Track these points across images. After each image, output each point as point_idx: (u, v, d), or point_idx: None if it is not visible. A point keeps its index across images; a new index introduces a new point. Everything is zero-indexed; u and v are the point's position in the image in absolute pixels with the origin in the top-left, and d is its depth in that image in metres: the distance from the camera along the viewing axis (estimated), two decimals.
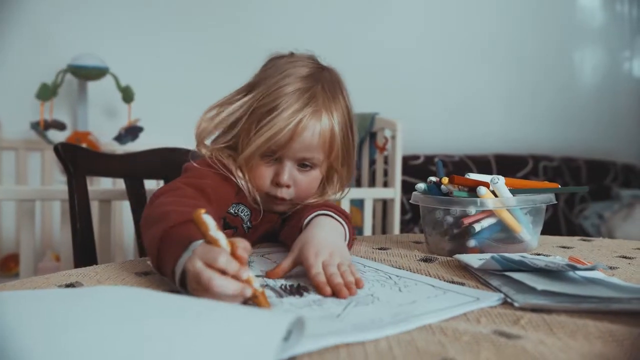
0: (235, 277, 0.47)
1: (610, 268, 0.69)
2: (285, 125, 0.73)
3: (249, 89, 0.82)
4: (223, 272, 0.47)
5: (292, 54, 0.84)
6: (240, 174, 0.80)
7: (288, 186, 0.79)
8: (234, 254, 0.49)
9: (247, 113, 0.78)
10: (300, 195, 0.81)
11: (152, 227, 0.60)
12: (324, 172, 0.83)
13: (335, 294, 0.54)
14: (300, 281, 0.61)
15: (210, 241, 0.49)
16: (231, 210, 0.82)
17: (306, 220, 0.73)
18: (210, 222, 0.49)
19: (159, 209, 0.63)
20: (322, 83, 0.79)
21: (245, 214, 0.83)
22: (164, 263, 0.56)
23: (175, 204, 0.63)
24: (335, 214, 0.75)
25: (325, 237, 0.66)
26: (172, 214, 0.60)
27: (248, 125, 0.78)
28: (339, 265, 0.59)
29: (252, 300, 0.48)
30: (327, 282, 0.56)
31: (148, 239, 0.60)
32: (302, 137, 0.75)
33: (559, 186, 0.84)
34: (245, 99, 0.79)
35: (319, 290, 0.55)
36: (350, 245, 0.76)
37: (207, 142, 0.82)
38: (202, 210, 0.49)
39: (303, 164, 0.79)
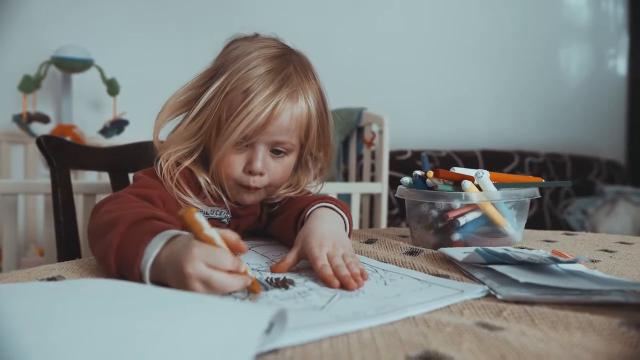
0: (237, 271, 0.49)
1: (592, 261, 0.70)
2: (262, 109, 0.69)
3: (212, 74, 0.75)
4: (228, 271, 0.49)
5: (256, 35, 0.79)
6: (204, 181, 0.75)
7: (261, 174, 0.74)
8: (232, 249, 0.51)
9: (218, 104, 0.71)
10: (274, 183, 0.76)
11: (105, 235, 0.56)
12: (296, 159, 0.79)
13: (344, 286, 0.55)
14: (303, 274, 0.61)
15: (205, 240, 0.49)
16: None
17: (307, 213, 0.72)
18: (203, 221, 0.50)
19: (106, 217, 0.59)
20: (294, 64, 0.75)
21: (218, 213, 0.78)
22: (128, 257, 0.53)
23: (124, 209, 0.60)
24: (335, 205, 0.74)
25: (327, 229, 0.66)
26: (125, 216, 0.57)
27: (218, 117, 0.72)
28: (343, 256, 0.60)
29: (248, 288, 0.51)
30: (334, 275, 0.56)
31: (102, 247, 0.56)
32: (279, 121, 0.70)
33: (543, 181, 0.85)
34: (212, 89, 0.72)
35: (327, 283, 0.56)
36: (349, 237, 0.74)
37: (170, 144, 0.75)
38: (194, 209, 0.49)
39: (276, 150, 0.74)
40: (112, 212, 0.59)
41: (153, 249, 0.52)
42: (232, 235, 0.51)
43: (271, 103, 0.69)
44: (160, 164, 0.73)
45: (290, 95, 0.71)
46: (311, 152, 0.79)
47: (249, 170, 0.73)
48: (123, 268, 0.54)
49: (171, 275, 0.50)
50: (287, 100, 0.71)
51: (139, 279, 0.52)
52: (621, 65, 3.35)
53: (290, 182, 0.82)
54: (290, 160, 0.77)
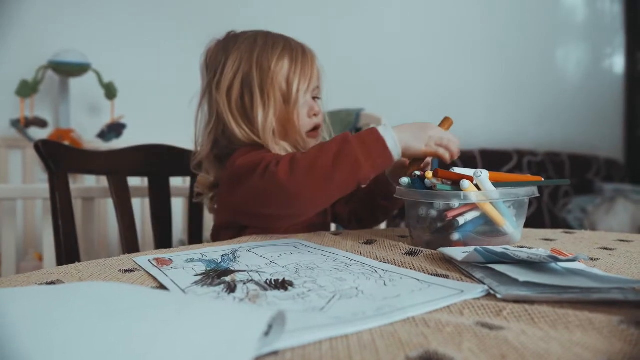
0: None
1: (592, 259, 0.70)
2: (311, 64, 0.91)
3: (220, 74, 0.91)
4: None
5: (230, 31, 0.96)
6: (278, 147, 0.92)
7: (317, 114, 0.95)
8: None
9: (273, 84, 0.89)
10: (321, 123, 0.97)
11: (340, 157, 0.73)
12: None
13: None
14: (302, 275, 0.61)
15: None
16: None
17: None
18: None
19: (321, 157, 0.74)
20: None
21: None
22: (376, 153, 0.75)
23: (321, 149, 0.75)
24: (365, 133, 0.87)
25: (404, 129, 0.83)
26: (333, 146, 0.74)
27: (280, 93, 0.89)
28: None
29: None
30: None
31: (347, 164, 0.73)
32: (318, 69, 0.94)
33: (542, 179, 0.85)
34: (239, 74, 0.89)
35: (439, 156, 0.83)
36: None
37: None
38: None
39: (315, 98, 0.95)
40: (322, 153, 0.74)
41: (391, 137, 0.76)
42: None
43: (310, 55, 0.93)
44: (276, 157, 0.82)
45: (310, 51, 0.94)
46: None
47: (313, 114, 0.94)
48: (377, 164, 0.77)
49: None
50: (313, 54, 0.95)
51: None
52: (618, 63, 3.35)
53: None
54: (321, 104, 0.98)
